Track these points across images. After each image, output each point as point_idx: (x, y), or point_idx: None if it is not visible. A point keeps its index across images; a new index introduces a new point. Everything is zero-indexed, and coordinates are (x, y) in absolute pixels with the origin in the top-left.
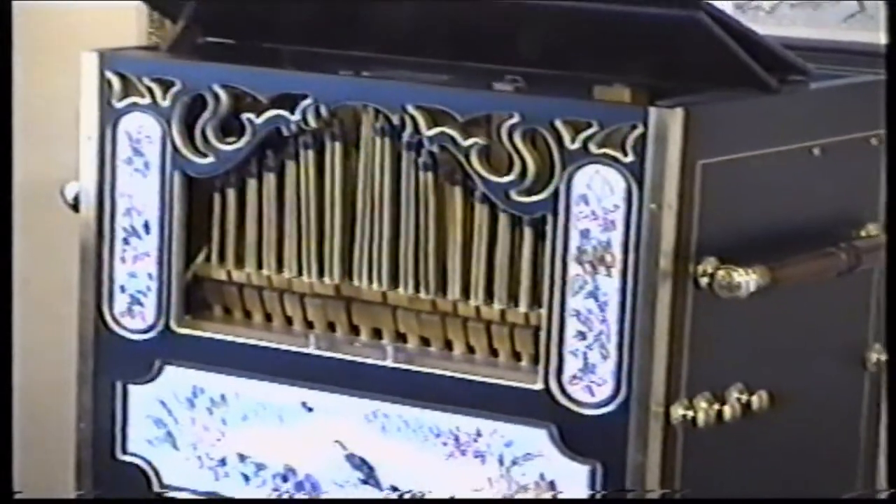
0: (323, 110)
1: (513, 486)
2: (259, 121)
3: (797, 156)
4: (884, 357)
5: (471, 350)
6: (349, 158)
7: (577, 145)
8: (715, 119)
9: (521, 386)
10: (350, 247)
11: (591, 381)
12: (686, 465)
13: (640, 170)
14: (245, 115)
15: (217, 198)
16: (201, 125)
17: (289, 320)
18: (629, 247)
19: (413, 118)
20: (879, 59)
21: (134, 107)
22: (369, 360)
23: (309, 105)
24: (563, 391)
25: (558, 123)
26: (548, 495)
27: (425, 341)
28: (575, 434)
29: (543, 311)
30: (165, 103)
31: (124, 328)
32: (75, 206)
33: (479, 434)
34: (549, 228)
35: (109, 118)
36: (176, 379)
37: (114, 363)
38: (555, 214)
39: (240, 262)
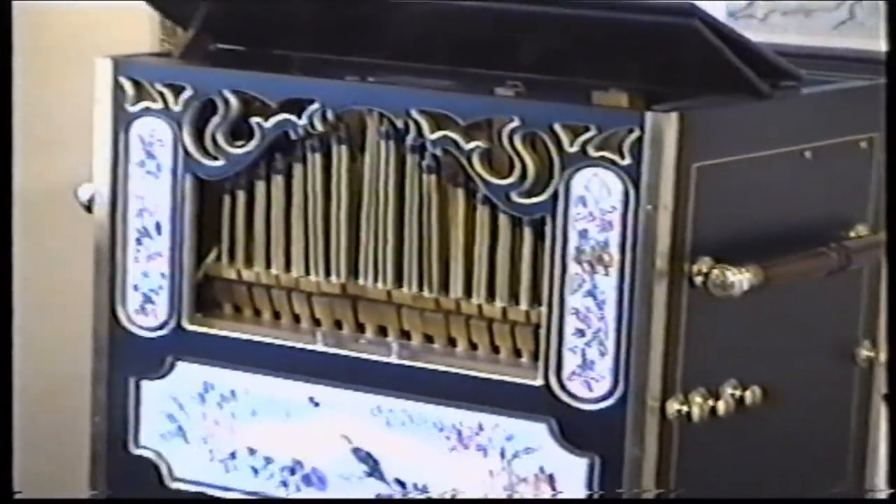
0: (329, 115)
1: (513, 479)
2: (268, 125)
3: (789, 159)
4: (873, 353)
5: (473, 347)
6: (355, 161)
7: (575, 148)
8: (709, 123)
9: (521, 382)
10: (356, 247)
11: (589, 377)
12: (681, 458)
13: (637, 172)
14: (254, 120)
15: (227, 199)
16: (212, 129)
17: (296, 318)
18: (626, 247)
19: (417, 122)
20: (869, 65)
21: (146, 111)
22: (374, 357)
23: (316, 110)
24: (563, 387)
25: (557, 127)
26: (546, 488)
27: (429, 338)
28: (573, 428)
29: (543, 309)
30: (177, 108)
31: (137, 326)
32: (89, 208)
33: (480, 428)
34: (548, 229)
35: (122, 122)
36: (187, 375)
37: (127, 360)
38: (554, 215)
39: (249, 261)
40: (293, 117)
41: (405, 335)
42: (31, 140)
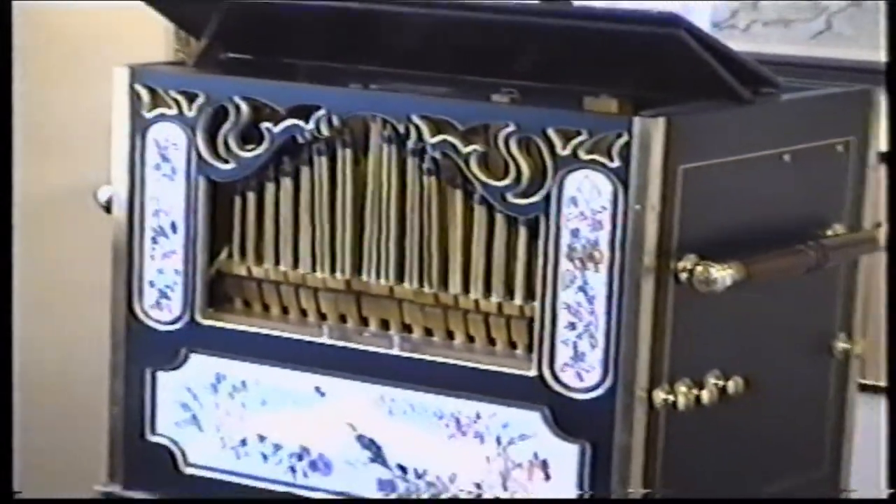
0: (335, 120)
1: (508, 464)
2: (276, 130)
3: (769, 161)
4: (848, 345)
5: (470, 339)
6: (359, 164)
7: (567, 152)
8: (694, 128)
9: (516, 372)
10: (360, 245)
11: (580, 368)
12: (668, 444)
13: (626, 174)
14: (264, 125)
15: (238, 200)
16: (223, 134)
17: (303, 312)
18: (615, 245)
19: (417, 127)
20: (845, 73)
21: (162, 117)
22: (377, 349)
23: (322, 115)
24: (555, 377)
25: (550, 132)
26: (540, 473)
27: (429, 331)
28: (566, 416)
29: (537, 304)
30: (191, 114)
31: (153, 320)
32: (107, 208)
33: (478, 416)
34: (542, 228)
35: (139, 127)
36: (200, 366)
37: (143, 352)
38: (547, 215)
39: (259, 258)
40: (300, 122)
41: (406, 328)
42: (51, 144)
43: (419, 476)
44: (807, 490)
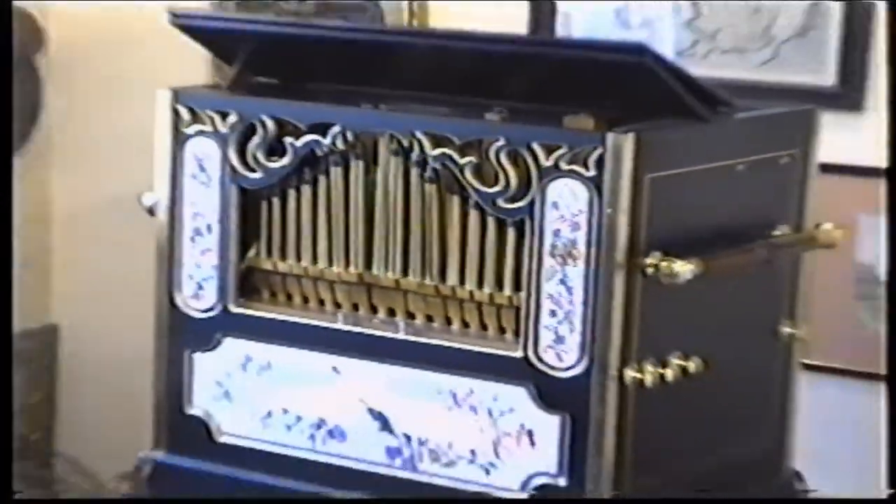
0: (349, 136)
1: (499, 434)
2: (298, 144)
3: (725, 171)
4: (792, 330)
5: (466, 325)
6: (369, 174)
7: (550, 163)
8: (660, 142)
9: (505, 354)
10: (370, 243)
11: (560, 350)
12: (637, 416)
13: (600, 182)
14: (287, 140)
15: (265, 205)
16: (252, 147)
17: (321, 302)
18: (591, 243)
19: (420, 142)
20: (790, 95)
21: (199, 133)
22: (385, 334)
23: (337, 132)
24: (539, 358)
25: (535, 145)
26: (526, 440)
27: (430, 318)
28: (548, 392)
29: (523, 295)
30: (224, 130)
31: (191, 308)
32: (151, 212)
33: (472, 392)
34: (527, 229)
35: (179, 142)
36: (232, 349)
37: (183, 337)
38: (532, 218)
39: (283, 255)
40: (319, 138)
41: (410, 316)
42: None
43: (421, 443)
44: (755, 455)
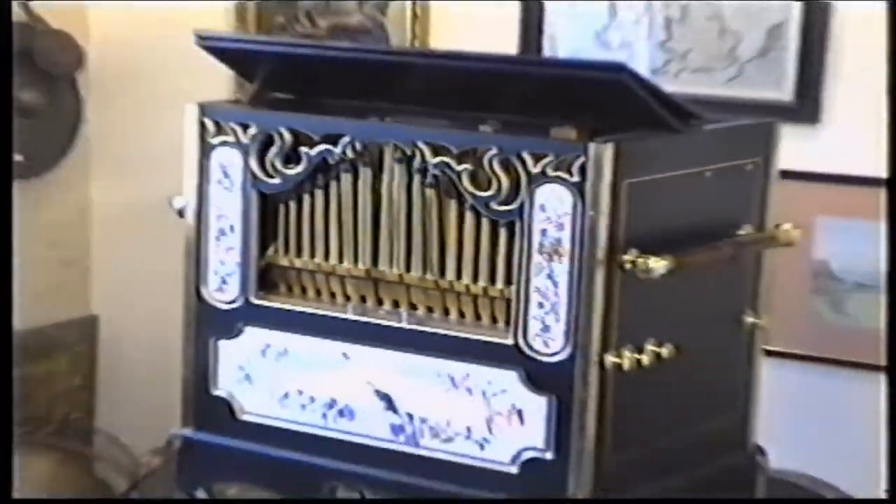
0: (357, 145)
1: (492, 413)
2: (312, 153)
3: (695, 177)
4: (754, 319)
5: (462, 315)
6: (376, 180)
7: (538, 170)
8: (637, 151)
9: (498, 341)
10: (376, 242)
11: (547, 338)
12: (616, 397)
13: (583, 187)
14: (302, 149)
15: (282, 208)
16: (271, 156)
17: (333, 294)
18: (575, 242)
19: (421, 151)
20: (753, 109)
21: (223, 143)
22: (390, 323)
23: (347, 142)
24: (528, 345)
25: (524, 154)
26: (516, 419)
27: (430, 309)
28: (536, 376)
29: (514, 288)
30: (245, 140)
31: (216, 300)
32: (181, 214)
33: (468, 375)
34: (517, 229)
35: (205, 151)
36: (253, 337)
37: (208, 326)
38: (522, 219)
39: (298, 253)
40: (331, 147)
41: (413, 307)
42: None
43: (422, 421)
44: (722, 431)
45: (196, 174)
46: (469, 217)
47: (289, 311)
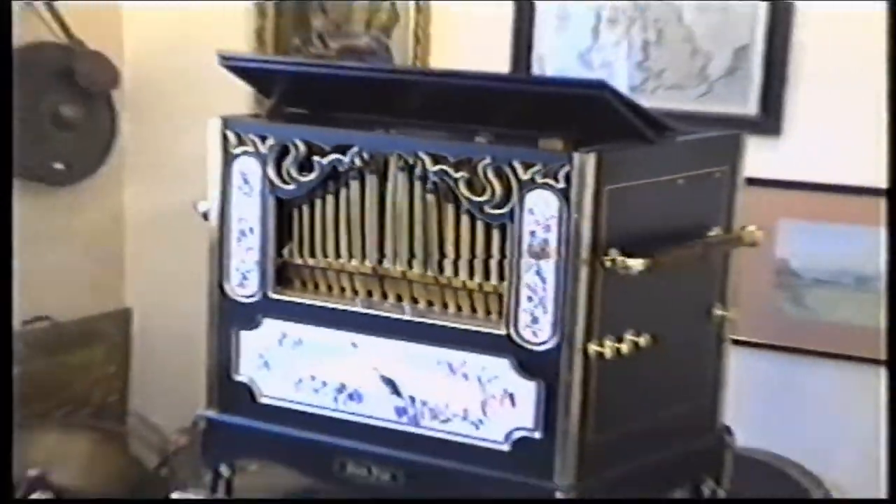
0: (365, 155)
1: (486, 396)
2: (323, 162)
3: (669, 184)
4: (722, 312)
5: (459, 308)
6: (381, 186)
7: (527, 177)
8: (616, 160)
9: (492, 331)
10: (382, 242)
11: (536, 329)
12: (599, 383)
13: (568, 193)
14: (315, 158)
15: (296, 212)
16: (286, 165)
17: (342, 289)
18: (561, 242)
19: (422, 160)
20: (721, 122)
21: (243, 153)
22: (394, 315)
23: (355, 152)
24: (519, 335)
25: (515, 163)
26: (508, 402)
27: (430, 303)
28: (526, 363)
29: (506, 284)
30: (264, 151)
31: (237, 295)
32: (205, 217)
33: (464, 362)
34: (509, 231)
35: (227, 160)
36: (270, 328)
37: (230, 318)
38: (513, 221)
39: (311, 252)
40: (340, 157)
41: (415, 301)
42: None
43: (423, 404)
44: (694, 412)
45: (219, 181)
46: (465, 220)
47: (303, 304)
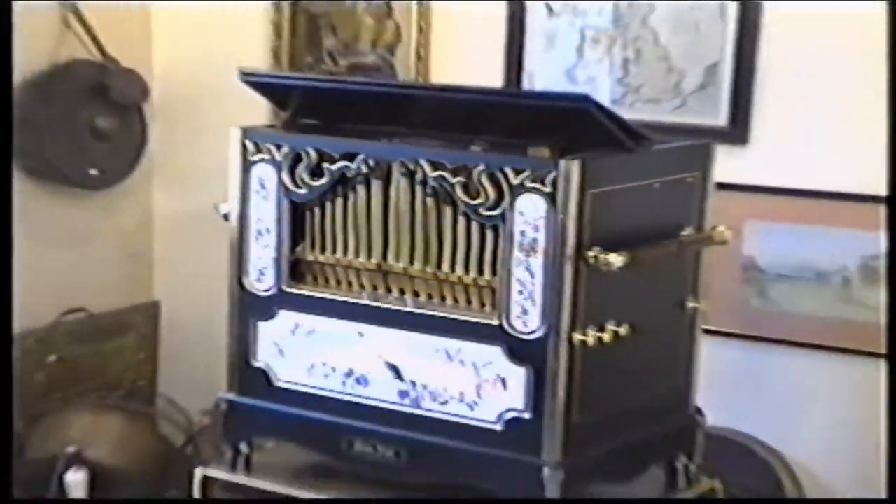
0: (370, 162)
1: (481, 381)
2: (333, 168)
3: (646, 188)
4: (695, 304)
5: (456, 301)
6: (385, 190)
7: (518, 182)
8: (599, 166)
9: (486, 322)
10: (385, 241)
11: (526, 319)
12: (583, 369)
13: (555, 196)
14: (325, 165)
15: (308, 213)
16: (300, 171)
17: (350, 284)
18: (548, 241)
19: (422, 166)
20: (694, 133)
21: (261, 160)
22: (397, 307)
23: (362, 159)
24: (510, 325)
25: (507, 169)
26: (501, 386)
27: (430, 296)
28: (517, 350)
29: (499, 279)
30: (279, 158)
31: (255, 289)
32: (226, 218)
33: (461, 350)
34: (501, 231)
35: (247, 167)
36: (285, 319)
37: (249, 309)
38: (505, 222)
39: (322, 250)
40: (349, 163)
41: (416, 294)
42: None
43: (424, 388)
44: (669, 395)
45: (239, 186)
46: (461, 221)
47: (314, 297)
